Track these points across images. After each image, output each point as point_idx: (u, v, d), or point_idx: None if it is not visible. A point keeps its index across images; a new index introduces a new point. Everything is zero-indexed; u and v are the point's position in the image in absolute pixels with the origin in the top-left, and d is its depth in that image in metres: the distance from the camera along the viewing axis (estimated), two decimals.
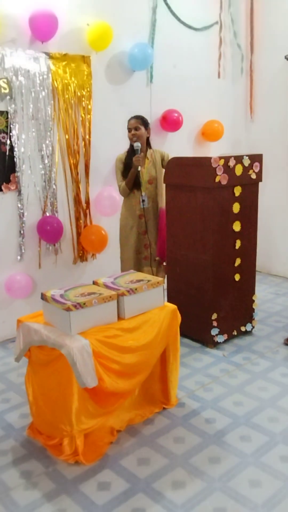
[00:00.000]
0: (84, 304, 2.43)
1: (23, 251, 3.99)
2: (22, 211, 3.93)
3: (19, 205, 3.91)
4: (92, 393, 2.41)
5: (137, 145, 3.82)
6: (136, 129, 3.86)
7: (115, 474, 2.36)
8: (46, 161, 3.99)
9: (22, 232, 3.95)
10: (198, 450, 2.51)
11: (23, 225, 3.95)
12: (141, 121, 3.89)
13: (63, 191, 4.17)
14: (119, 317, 2.61)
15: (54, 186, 4.08)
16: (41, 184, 4.02)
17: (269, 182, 4.60)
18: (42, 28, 3.73)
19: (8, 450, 2.56)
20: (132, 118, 3.91)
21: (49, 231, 3.98)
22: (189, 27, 4.89)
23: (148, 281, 2.76)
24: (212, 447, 2.53)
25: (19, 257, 3.98)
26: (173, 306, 2.82)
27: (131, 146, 3.92)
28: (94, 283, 2.81)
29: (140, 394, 2.82)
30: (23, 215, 3.94)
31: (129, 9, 4.38)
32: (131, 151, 3.92)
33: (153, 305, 2.74)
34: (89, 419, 2.45)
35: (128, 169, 3.90)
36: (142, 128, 3.88)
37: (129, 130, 3.89)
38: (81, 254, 4.38)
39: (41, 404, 2.59)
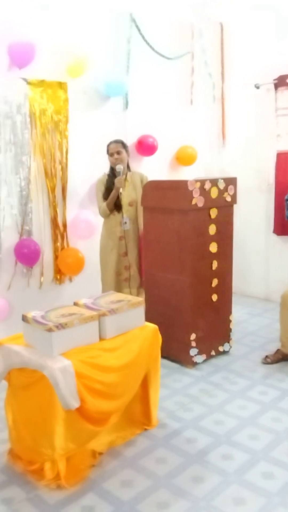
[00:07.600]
0: (66, 324, 2.43)
1: None
2: None
3: None
4: (78, 415, 2.39)
5: (119, 167, 3.86)
6: (118, 153, 3.92)
7: (98, 497, 2.33)
8: (23, 184, 4.01)
9: None
10: (181, 470, 2.51)
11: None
12: (121, 145, 3.96)
13: (40, 214, 4.18)
14: (101, 337, 2.62)
15: (30, 209, 4.09)
16: (18, 207, 4.02)
17: (241, 205, 4.71)
18: (20, 55, 3.80)
19: None
20: (112, 142, 3.97)
21: (26, 254, 3.97)
22: (162, 56, 5.04)
23: (129, 301, 2.78)
24: (195, 467, 2.53)
25: None
26: (153, 326, 2.84)
27: (111, 168, 3.98)
28: (75, 304, 2.81)
29: (121, 416, 2.80)
30: None
31: (105, 38, 4.50)
32: (112, 174, 3.97)
33: (134, 325, 2.76)
34: (71, 442, 2.42)
35: (109, 192, 3.94)
36: (123, 152, 3.95)
37: (111, 154, 3.94)
38: (58, 277, 4.37)
39: (21, 428, 2.55)
